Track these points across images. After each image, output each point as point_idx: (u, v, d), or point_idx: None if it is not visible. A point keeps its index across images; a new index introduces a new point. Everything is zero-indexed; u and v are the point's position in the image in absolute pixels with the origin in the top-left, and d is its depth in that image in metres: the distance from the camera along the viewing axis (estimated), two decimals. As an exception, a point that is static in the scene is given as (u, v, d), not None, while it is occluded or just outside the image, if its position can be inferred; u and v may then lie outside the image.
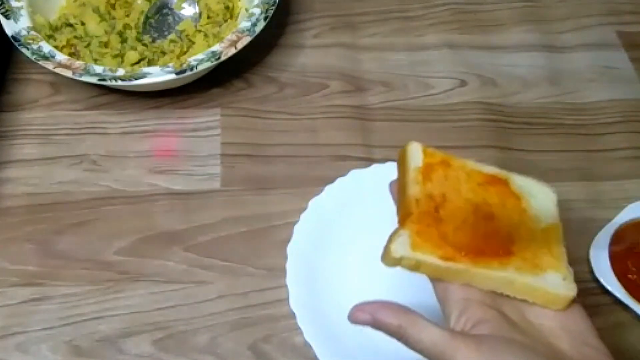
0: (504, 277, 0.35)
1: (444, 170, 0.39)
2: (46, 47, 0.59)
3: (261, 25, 0.60)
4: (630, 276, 0.52)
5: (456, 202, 0.38)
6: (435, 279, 0.37)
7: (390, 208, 0.54)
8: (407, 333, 0.34)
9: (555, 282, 0.36)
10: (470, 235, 0.37)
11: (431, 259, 0.36)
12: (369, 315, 0.35)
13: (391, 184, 0.42)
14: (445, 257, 0.36)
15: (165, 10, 0.67)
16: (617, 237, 0.53)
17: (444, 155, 0.40)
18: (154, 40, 0.65)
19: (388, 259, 0.36)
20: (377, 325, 0.35)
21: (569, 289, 0.36)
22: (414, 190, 0.38)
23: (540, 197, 0.39)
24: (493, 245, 0.37)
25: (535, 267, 0.36)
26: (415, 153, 0.40)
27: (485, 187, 0.39)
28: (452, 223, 0.37)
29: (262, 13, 0.61)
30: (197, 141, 0.60)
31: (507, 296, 0.36)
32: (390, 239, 0.37)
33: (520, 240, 0.37)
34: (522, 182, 0.40)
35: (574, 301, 0.36)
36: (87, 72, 0.57)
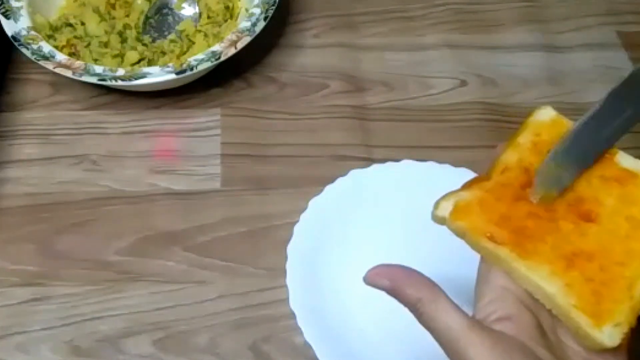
0: (544, 288, 0.31)
1: None
2: (46, 47, 0.59)
3: (261, 25, 0.60)
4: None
5: None
6: (478, 253, 0.33)
7: (390, 208, 0.55)
8: (423, 308, 0.31)
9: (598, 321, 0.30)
10: (542, 229, 0.31)
11: (474, 232, 0.32)
12: (388, 281, 0.32)
13: (499, 147, 0.37)
14: (491, 237, 0.31)
15: (165, 10, 0.67)
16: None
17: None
18: (154, 40, 0.65)
19: (435, 213, 0.33)
20: (394, 293, 0.32)
21: (608, 338, 0.29)
22: (511, 157, 0.34)
23: None
24: (563, 250, 0.31)
25: (591, 295, 0.30)
26: (542, 120, 0.35)
27: (609, 183, 0.33)
28: (532, 207, 0.32)
29: (262, 13, 0.61)
30: (197, 141, 0.60)
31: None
32: (447, 195, 0.33)
33: (602, 258, 0.31)
34: None
35: (616, 349, 0.30)
36: (87, 72, 0.57)
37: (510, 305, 0.31)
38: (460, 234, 0.33)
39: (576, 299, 0.30)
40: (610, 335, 0.30)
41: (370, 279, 0.33)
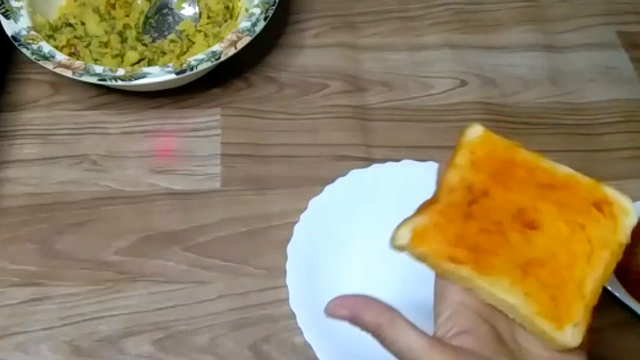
0: (507, 300, 0.32)
1: (502, 162, 0.35)
2: (46, 47, 0.59)
3: (261, 25, 0.60)
4: (630, 276, 0.52)
5: (498, 201, 0.34)
6: (438, 274, 0.34)
7: (390, 208, 0.54)
8: (384, 333, 0.32)
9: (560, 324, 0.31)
10: (493, 242, 0.33)
11: (435, 256, 0.33)
12: (347, 311, 0.33)
13: (440, 165, 0.38)
14: (451, 258, 0.32)
15: (165, 10, 0.67)
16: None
17: (509, 144, 0.36)
18: (154, 40, 0.65)
19: (394, 243, 0.34)
20: (354, 322, 0.33)
21: (571, 338, 0.31)
22: (453, 178, 0.35)
23: (614, 219, 0.33)
24: (516, 260, 0.32)
25: (549, 300, 0.32)
26: (474, 137, 0.36)
27: (545, 190, 0.34)
28: (481, 223, 0.33)
29: (262, 13, 0.61)
30: (197, 141, 0.60)
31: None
32: (403, 222, 0.34)
33: (551, 264, 0.32)
34: (604, 195, 0.34)
35: (578, 348, 0.32)
36: (87, 72, 0.57)
37: (468, 319, 0.32)
38: (421, 258, 0.34)
39: (536, 306, 0.32)
40: (572, 335, 0.31)
41: (330, 311, 0.33)
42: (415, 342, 0.31)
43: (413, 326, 0.32)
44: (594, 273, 0.32)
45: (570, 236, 0.33)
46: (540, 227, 0.33)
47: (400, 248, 0.34)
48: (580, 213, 0.34)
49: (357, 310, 0.33)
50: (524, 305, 0.32)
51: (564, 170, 0.35)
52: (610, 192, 0.34)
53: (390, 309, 0.33)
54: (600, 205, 0.34)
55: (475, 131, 0.36)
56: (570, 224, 0.33)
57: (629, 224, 0.33)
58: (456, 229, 0.33)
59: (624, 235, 0.33)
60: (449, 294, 0.34)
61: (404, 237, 0.33)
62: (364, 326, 0.33)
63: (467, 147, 0.36)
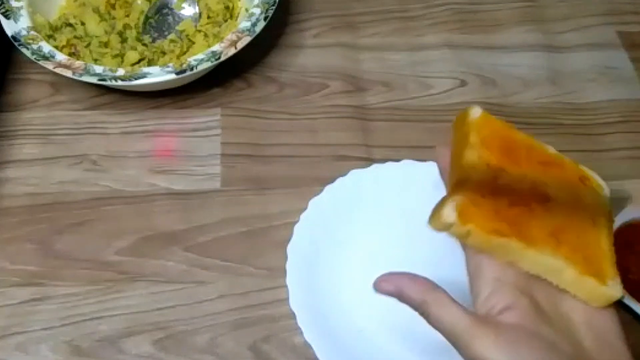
0: (554, 265, 0.33)
1: (505, 140, 0.37)
2: (46, 47, 0.59)
3: (261, 25, 0.60)
4: (630, 276, 0.52)
5: (515, 176, 0.35)
6: (477, 252, 0.35)
7: (390, 208, 0.55)
8: (429, 310, 0.34)
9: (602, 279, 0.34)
10: (524, 214, 0.34)
11: (483, 231, 0.33)
12: (394, 287, 0.35)
13: (437, 149, 0.39)
14: (498, 232, 0.33)
15: (165, 10, 0.67)
16: (617, 237, 0.53)
17: (507, 125, 0.37)
18: (154, 40, 0.65)
19: (437, 222, 0.34)
20: (401, 298, 0.35)
21: (616, 290, 0.34)
22: (472, 156, 0.36)
23: (596, 190, 0.37)
24: (546, 229, 0.34)
25: (584, 261, 0.34)
26: (476, 119, 0.37)
27: (544, 167, 0.37)
28: (508, 197, 0.34)
29: (262, 13, 0.61)
30: (197, 141, 0.60)
31: (544, 281, 0.34)
32: (443, 202, 0.34)
33: (572, 230, 0.35)
34: (583, 171, 0.38)
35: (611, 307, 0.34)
36: (87, 72, 0.57)
37: (508, 295, 0.33)
38: (464, 236, 0.34)
39: (579, 267, 0.34)
40: (615, 286, 0.34)
41: (378, 287, 0.36)
42: (459, 319, 0.33)
43: (457, 304, 0.33)
44: (602, 234, 0.36)
45: (574, 205, 0.36)
46: (551, 198, 0.35)
47: (446, 227, 0.34)
48: (573, 186, 0.37)
49: (402, 287, 0.35)
50: (568, 268, 0.33)
51: (550, 149, 0.38)
52: (585, 169, 0.38)
53: (435, 286, 0.34)
54: (584, 180, 0.37)
55: (476, 112, 0.38)
56: (571, 194, 0.36)
57: (605, 194, 0.37)
58: (491, 204, 0.34)
59: (606, 204, 0.37)
60: (484, 272, 0.34)
61: (450, 216, 0.34)
62: (409, 303, 0.35)
63: (475, 126, 0.37)
